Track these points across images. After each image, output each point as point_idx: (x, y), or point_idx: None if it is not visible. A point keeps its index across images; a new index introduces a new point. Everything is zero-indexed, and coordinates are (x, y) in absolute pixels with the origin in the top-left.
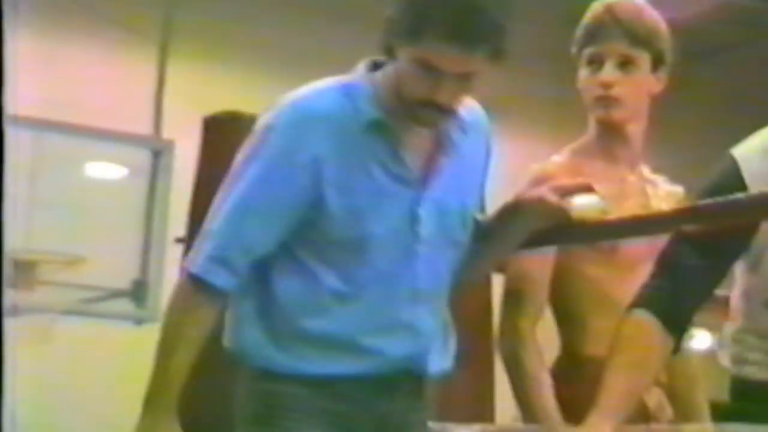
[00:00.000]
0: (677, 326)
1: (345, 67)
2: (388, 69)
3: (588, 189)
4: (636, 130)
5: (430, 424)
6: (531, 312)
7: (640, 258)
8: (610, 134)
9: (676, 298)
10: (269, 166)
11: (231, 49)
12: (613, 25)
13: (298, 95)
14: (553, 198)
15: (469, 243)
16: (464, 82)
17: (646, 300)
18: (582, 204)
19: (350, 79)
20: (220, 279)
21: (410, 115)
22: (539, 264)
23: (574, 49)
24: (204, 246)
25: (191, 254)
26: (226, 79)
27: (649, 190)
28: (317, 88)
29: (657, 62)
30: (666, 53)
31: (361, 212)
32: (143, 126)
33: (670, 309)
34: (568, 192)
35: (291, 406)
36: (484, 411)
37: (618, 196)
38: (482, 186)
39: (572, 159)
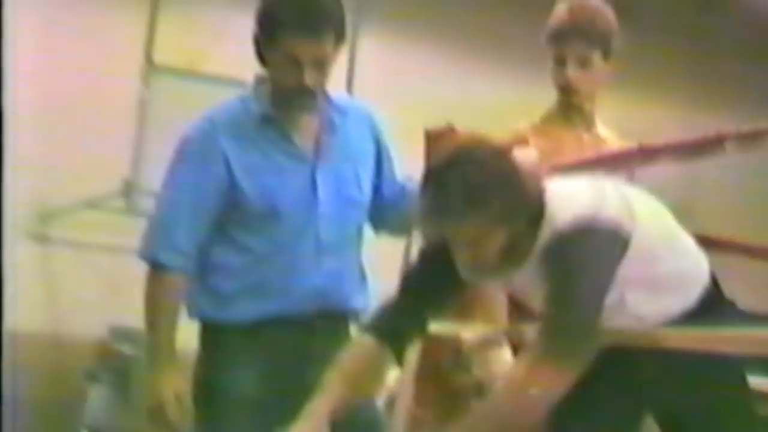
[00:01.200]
0: (396, 343)
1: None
2: (267, 74)
3: (524, 142)
4: (591, 105)
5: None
6: None
7: None
8: (570, 109)
9: (394, 321)
10: (192, 167)
11: (416, 31)
12: (571, 31)
13: (207, 112)
14: None
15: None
16: (320, 66)
17: (368, 323)
18: (519, 155)
19: (245, 92)
20: (171, 259)
21: (288, 104)
22: None
23: (543, 43)
24: (154, 236)
25: (143, 246)
26: (412, 55)
27: (601, 144)
28: (220, 104)
29: (606, 55)
30: (614, 46)
31: (268, 188)
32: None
33: (388, 330)
34: (508, 147)
35: (230, 353)
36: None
37: (576, 150)
38: (388, 158)
39: (541, 123)
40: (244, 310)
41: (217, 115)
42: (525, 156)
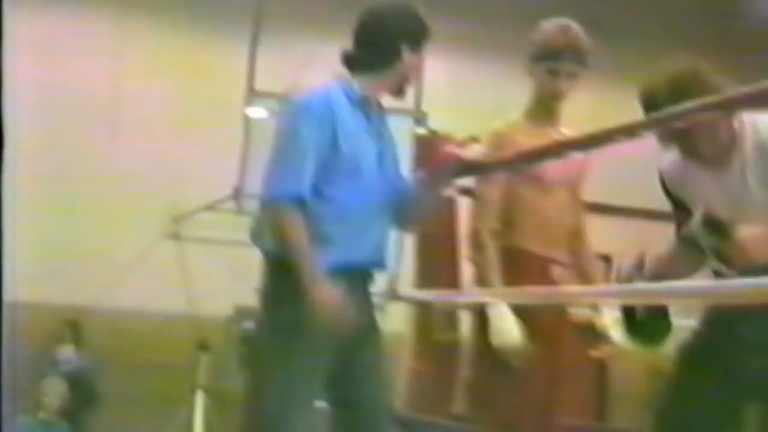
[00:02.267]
0: None
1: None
2: (380, 70)
3: (475, 141)
4: (561, 107)
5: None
6: (488, 222)
7: (555, 182)
8: (549, 112)
9: None
10: (313, 126)
11: (481, 51)
12: (567, 51)
13: (317, 89)
14: (454, 151)
15: (412, 191)
16: None
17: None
18: (469, 152)
19: (339, 78)
20: (304, 190)
21: (401, 92)
22: (493, 190)
23: (530, 59)
24: (288, 178)
25: (277, 187)
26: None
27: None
28: (325, 85)
29: (584, 68)
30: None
31: (356, 152)
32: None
33: None
34: (462, 145)
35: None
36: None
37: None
38: (398, 157)
39: (520, 120)
40: (328, 255)
41: (329, 90)
42: (473, 151)
